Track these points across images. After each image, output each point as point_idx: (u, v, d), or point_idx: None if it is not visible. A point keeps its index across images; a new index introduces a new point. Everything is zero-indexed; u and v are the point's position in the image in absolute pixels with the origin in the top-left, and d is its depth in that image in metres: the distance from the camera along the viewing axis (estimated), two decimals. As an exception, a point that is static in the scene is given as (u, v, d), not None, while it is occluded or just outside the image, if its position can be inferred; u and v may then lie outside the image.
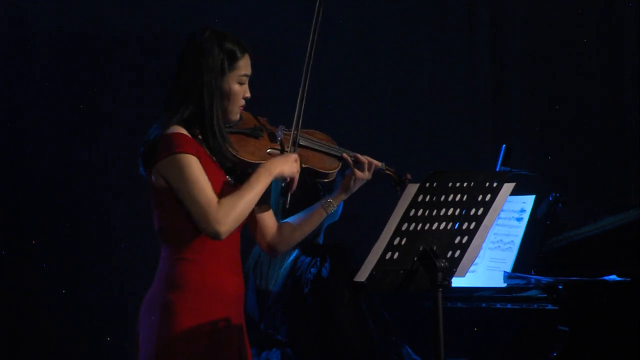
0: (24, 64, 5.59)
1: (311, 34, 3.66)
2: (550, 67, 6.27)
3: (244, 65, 3.57)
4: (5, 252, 5.52)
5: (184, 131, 3.49)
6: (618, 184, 6.13)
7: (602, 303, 4.00)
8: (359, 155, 3.75)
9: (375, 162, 3.76)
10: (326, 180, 3.76)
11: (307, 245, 4.29)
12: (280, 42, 5.88)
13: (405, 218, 3.21)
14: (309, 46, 3.65)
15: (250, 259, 4.39)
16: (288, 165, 3.56)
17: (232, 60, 3.55)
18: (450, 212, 3.28)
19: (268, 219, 3.73)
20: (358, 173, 3.72)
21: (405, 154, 6.06)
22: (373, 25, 6.20)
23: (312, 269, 4.21)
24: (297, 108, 3.66)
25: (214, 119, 3.51)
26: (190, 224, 3.46)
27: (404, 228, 3.22)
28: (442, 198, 3.24)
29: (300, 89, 3.66)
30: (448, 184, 3.23)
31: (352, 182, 3.73)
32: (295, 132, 3.65)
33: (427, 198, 3.21)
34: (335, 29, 6.08)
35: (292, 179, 3.58)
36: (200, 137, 3.53)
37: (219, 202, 3.43)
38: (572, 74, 6.24)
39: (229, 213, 3.42)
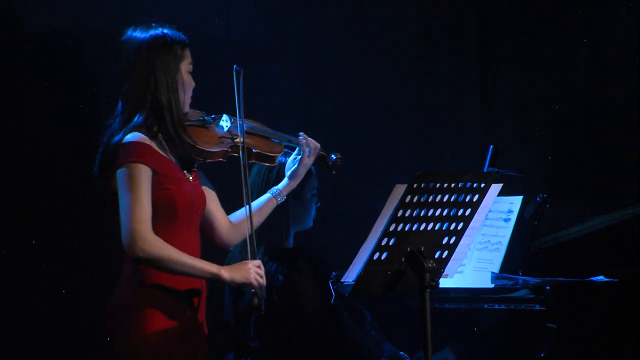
0: (23, 63, 5.61)
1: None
2: (538, 67, 6.28)
3: (188, 55, 3.62)
4: (5, 252, 5.54)
5: (143, 137, 3.49)
6: (605, 184, 6.13)
7: (590, 304, 4.01)
8: (307, 139, 3.87)
9: (317, 144, 3.90)
10: (270, 164, 3.85)
11: (274, 249, 4.31)
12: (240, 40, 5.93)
13: (393, 219, 3.23)
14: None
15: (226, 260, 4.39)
16: (242, 272, 3.51)
17: (178, 51, 3.58)
18: (438, 212, 3.31)
19: (221, 217, 3.78)
20: (306, 159, 3.87)
21: (393, 155, 6.08)
22: (363, 28, 6.21)
23: (279, 276, 4.21)
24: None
25: (174, 114, 3.54)
26: (157, 223, 3.47)
27: (392, 229, 3.25)
28: (430, 199, 3.27)
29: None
30: (436, 185, 3.26)
31: (301, 168, 3.88)
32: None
33: (415, 199, 3.24)
34: (329, 31, 6.10)
35: (254, 285, 3.52)
36: (160, 136, 3.54)
37: (157, 236, 3.41)
38: (560, 74, 6.25)
39: (155, 249, 3.40)
